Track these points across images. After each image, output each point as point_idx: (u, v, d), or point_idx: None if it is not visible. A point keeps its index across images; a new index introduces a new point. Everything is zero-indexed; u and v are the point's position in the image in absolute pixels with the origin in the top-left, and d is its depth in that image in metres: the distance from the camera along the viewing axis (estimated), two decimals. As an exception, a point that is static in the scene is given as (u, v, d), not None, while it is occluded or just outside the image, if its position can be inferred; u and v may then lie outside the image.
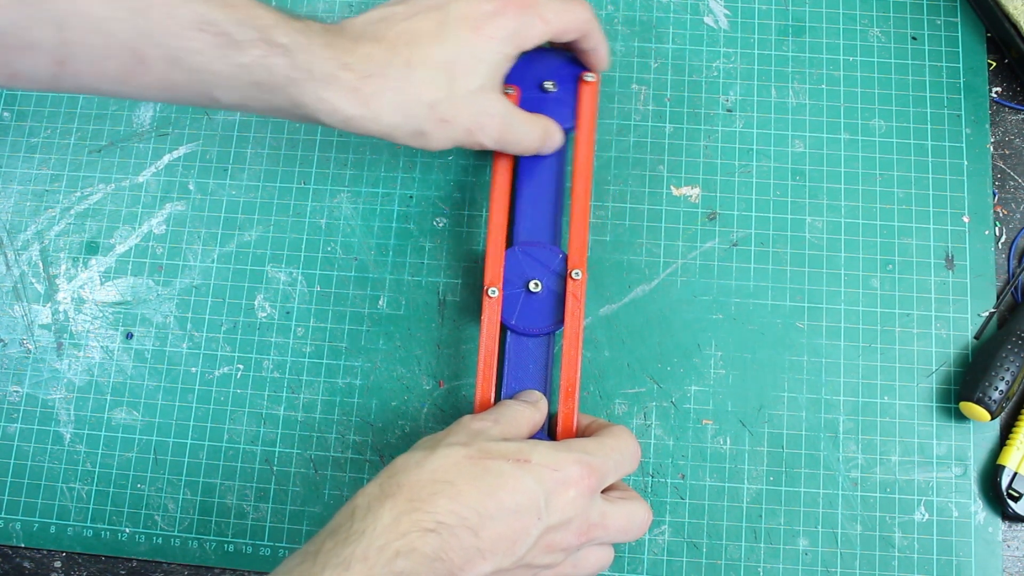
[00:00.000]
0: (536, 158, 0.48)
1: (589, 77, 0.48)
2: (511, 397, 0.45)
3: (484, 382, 0.45)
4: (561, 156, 0.48)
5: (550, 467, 0.37)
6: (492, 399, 0.45)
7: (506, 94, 0.46)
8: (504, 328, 0.47)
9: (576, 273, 0.46)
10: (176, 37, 0.36)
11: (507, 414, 0.42)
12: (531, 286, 0.46)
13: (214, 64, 0.37)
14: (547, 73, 0.48)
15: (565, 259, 0.46)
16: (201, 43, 0.37)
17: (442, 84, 0.41)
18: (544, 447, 0.38)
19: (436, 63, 0.41)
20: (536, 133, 0.45)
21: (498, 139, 0.44)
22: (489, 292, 0.46)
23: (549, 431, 0.45)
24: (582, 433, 0.44)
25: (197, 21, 0.36)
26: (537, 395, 0.45)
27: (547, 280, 0.46)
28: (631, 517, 0.40)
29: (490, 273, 0.46)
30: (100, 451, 0.50)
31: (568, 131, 0.48)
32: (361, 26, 0.41)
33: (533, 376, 0.46)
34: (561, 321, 0.45)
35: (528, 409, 0.43)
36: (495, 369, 0.45)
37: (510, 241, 0.47)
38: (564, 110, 0.48)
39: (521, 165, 0.48)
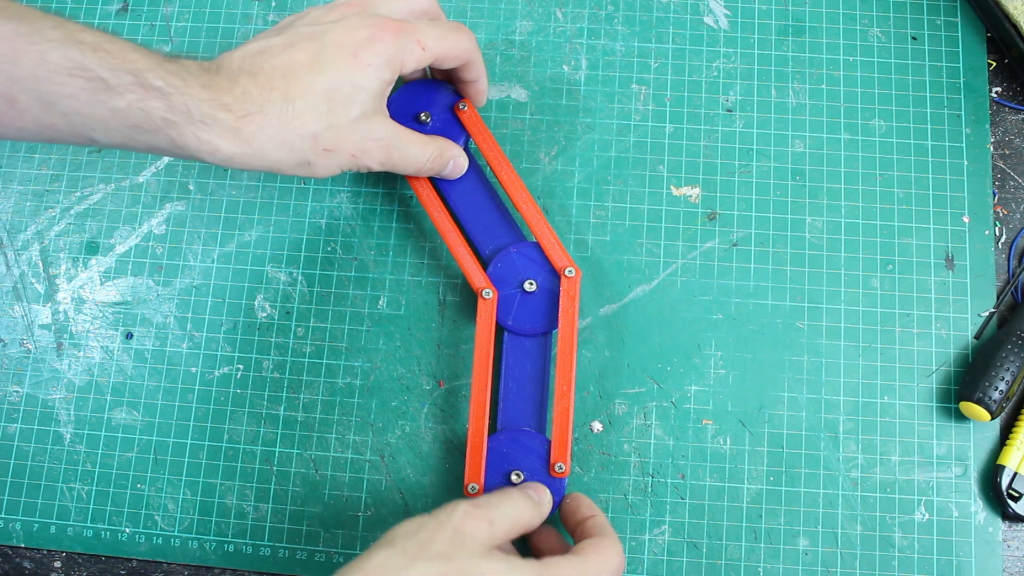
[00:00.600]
0: (451, 182, 0.48)
1: (462, 106, 0.48)
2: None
3: (480, 382, 0.45)
4: (475, 170, 0.49)
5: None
6: (488, 401, 0.45)
7: None
8: (501, 329, 0.47)
9: (569, 271, 0.46)
10: (48, 82, 0.36)
11: (505, 514, 0.40)
12: (526, 286, 0.46)
13: (89, 108, 0.38)
14: (422, 104, 0.48)
15: (538, 247, 0.47)
16: (74, 88, 0.37)
17: (322, 114, 0.41)
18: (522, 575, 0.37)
19: (315, 94, 0.41)
20: (428, 153, 0.45)
21: (384, 161, 0.44)
22: (483, 295, 0.46)
23: (539, 427, 0.46)
24: (578, 524, 0.43)
25: (69, 67, 0.36)
26: (544, 492, 0.44)
27: (542, 280, 0.46)
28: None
29: (476, 279, 0.46)
30: (100, 451, 0.50)
31: (463, 146, 0.48)
32: (239, 61, 0.41)
33: (531, 376, 0.46)
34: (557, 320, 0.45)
35: (528, 508, 0.42)
36: (490, 372, 0.45)
37: (481, 260, 0.48)
38: (447, 134, 0.48)
39: (444, 193, 0.49)
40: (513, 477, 0.45)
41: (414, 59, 0.43)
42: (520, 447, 0.45)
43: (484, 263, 0.48)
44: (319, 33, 0.42)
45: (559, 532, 0.45)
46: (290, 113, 0.40)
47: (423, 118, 0.48)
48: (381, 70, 0.42)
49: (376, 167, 0.44)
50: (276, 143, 0.40)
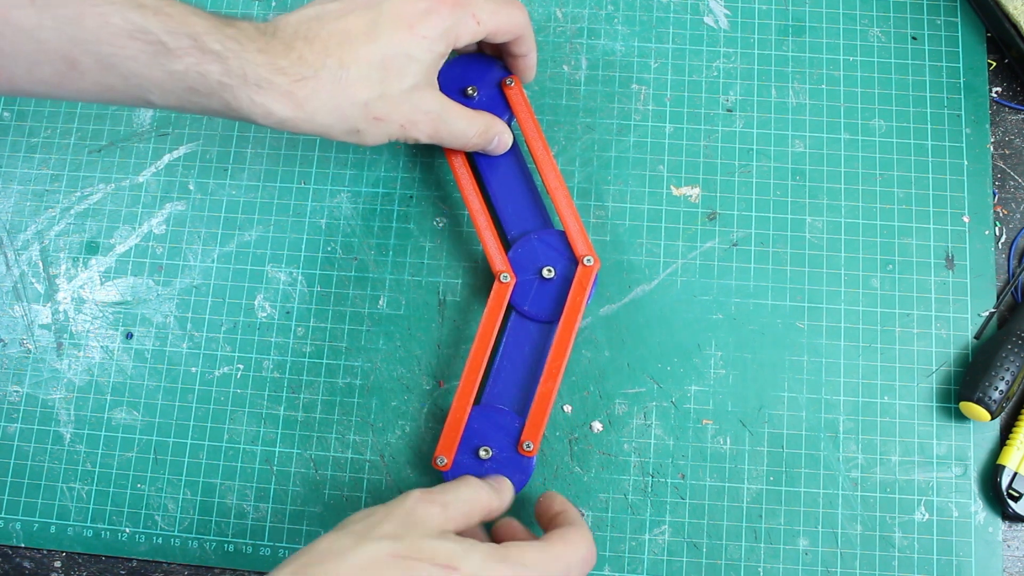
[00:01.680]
0: (492, 159, 0.49)
1: (509, 82, 0.49)
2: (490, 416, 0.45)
3: (475, 361, 0.46)
4: (514, 146, 0.49)
5: None
6: (478, 381, 0.46)
7: None
8: (508, 313, 0.47)
9: (588, 260, 0.46)
10: (109, 45, 0.37)
11: (460, 497, 0.40)
12: (544, 272, 0.47)
13: (148, 70, 0.38)
14: (470, 79, 0.49)
15: (563, 236, 0.47)
16: (134, 50, 0.37)
17: (375, 83, 0.41)
18: (478, 555, 0.36)
19: (369, 63, 0.41)
20: (475, 128, 0.46)
21: (432, 134, 0.44)
22: (501, 278, 0.47)
23: (520, 410, 0.46)
24: (550, 520, 0.42)
25: (130, 30, 0.37)
26: (505, 483, 0.44)
27: (561, 267, 0.47)
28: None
29: (497, 261, 0.47)
30: (100, 451, 0.50)
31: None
32: (295, 25, 0.41)
33: (527, 360, 0.47)
34: None
35: (486, 494, 0.41)
36: (488, 353, 0.46)
37: (505, 243, 0.49)
38: (492, 112, 0.48)
39: (481, 168, 0.49)
40: (481, 452, 0.45)
41: (468, 32, 0.43)
42: (492, 424, 0.46)
43: (507, 245, 0.48)
44: (376, 2, 0.42)
45: (526, 526, 0.44)
46: (344, 80, 0.41)
47: (470, 92, 0.48)
48: (436, 43, 0.42)
49: (424, 139, 0.44)
50: (328, 108, 0.41)
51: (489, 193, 0.49)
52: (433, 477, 0.48)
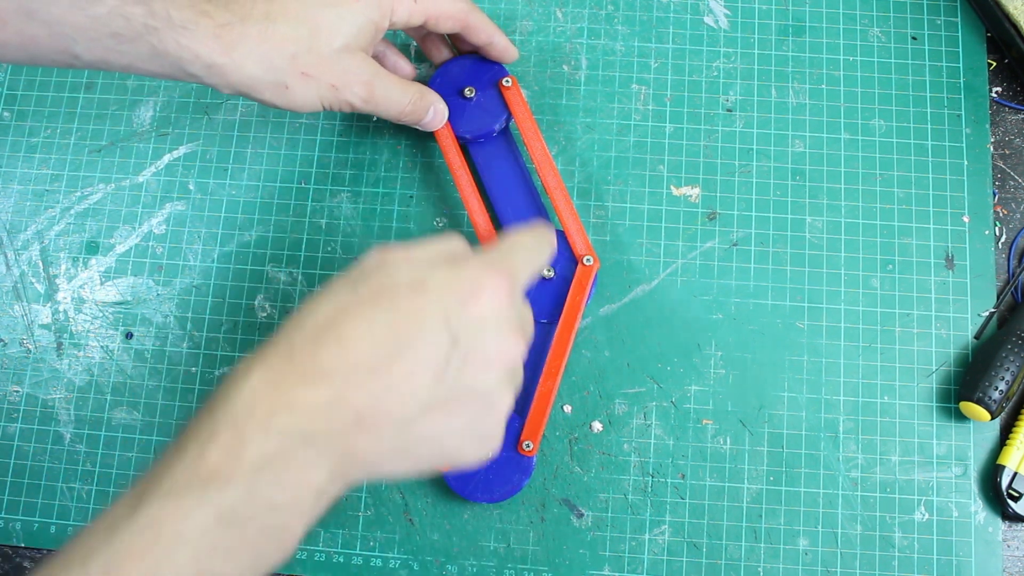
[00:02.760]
0: (487, 151, 0.49)
1: (507, 82, 0.49)
2: None
3: None
4: (513, 147, 0.50)
5: (449, 283, 0.32)
6: None
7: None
8: None
9: (587, 260, 0.46)
10: None
11: (422, 242, 0.35)
12: (545, 273, 0.47)
13: (70, 16, 0.38)
14: (466, 80, 0.49)
15: (562, 236, 0.47)
16: None
17: (304, 38, 0.41)
18: (442, 268, 0.33)
19: (297, 18, 0.41)
20: (408, 96, 0.46)
21: (366, 99, 0.44)
22: None
23: (521, 410, 0.46)
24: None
25: None
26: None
27: (560, 267, 0.47)
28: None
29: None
30: (100, 451, 0.50)
31: (500, 131, 0.50)
32: None
33: (527, 361, 0.47)
34: None
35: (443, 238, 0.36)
36: None
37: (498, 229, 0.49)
38: (486, 115, 0.49)
39: (479, 166, 0.49)
40: None
41: (405, 9, 0.44)
42: None
43: None
44: None
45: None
46: (271, 31, 0.41)
47: (467, 93, 0.49)
48: (369, 8, 0.43)
49: (359, 104, 0.44)
50: (256, 57, 0.41)
51: (489, 194, 0.49)
52: (431, 479, 0.48)
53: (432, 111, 0.47)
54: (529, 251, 0.36)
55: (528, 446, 0.45)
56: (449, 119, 0.49)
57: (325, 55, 0.42)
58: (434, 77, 0.50)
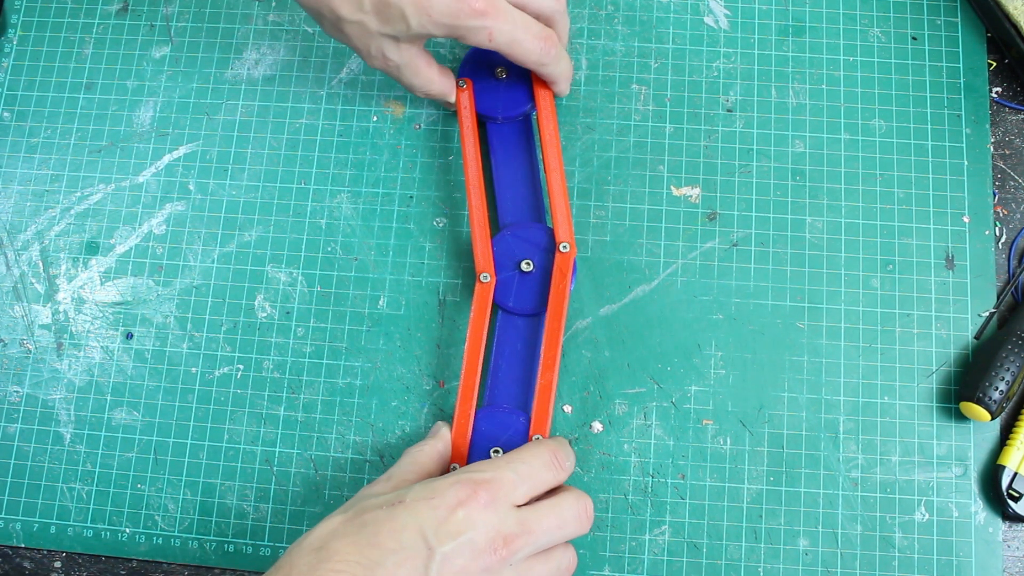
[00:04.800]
0: (503, 133, 0.50)
1: None
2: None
3: (470, 365, 0.46)
4: (530, 138, 0.50)
5: (425, 498, 0.38)
6: (476, 386, 0.46)
7: (459, 88, 0.49)
8: (494, 312, 0.47)
9: (564, 246, 0.46)
10: None
11: (401, 464, 0.43)
12: (523, 266, 0.47)
13: None
14: (499, 62, 0.50)
15: (551, 233, 0.47)
16: None
17: None
18: (421, 483, 0.39)
19: None
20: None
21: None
22: (481, 278, 0.47)
23: (525, 405, 0.46)
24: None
25: None
26: (438, 426, 0.46)
27: (538, 259, 0.47)
28: (559, 512, 0.40)
29: (481, 259, 0.47)
30: (100, 451, 0.50)
31: (526, 113, 0.50)
32: None
33: (521, 356, 0.47)
34: None
35: (427, 446, 0.44)
36: (481, 356, 0.46)
37: (496, 229, 0.49)
38: (516, 95, 0.50)
39: (492, 149, 0.50)
40: (492, 454, 0.45)
41: (475, 41, 0.44)
42: (499, 424, 0.46)
43: (499, 228, 0.49)
44: None
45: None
46: None
47: (499, 72, 0.50)
48: (443, 14, 0.42)
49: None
50: None
51: (492, 174, 0.49)
52: (433, 477, 0.48)
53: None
54: (531, 466, 0.41)
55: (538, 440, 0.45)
56: (475, 96, 0.49)
57: None
58: (471, 51, 0.50)
